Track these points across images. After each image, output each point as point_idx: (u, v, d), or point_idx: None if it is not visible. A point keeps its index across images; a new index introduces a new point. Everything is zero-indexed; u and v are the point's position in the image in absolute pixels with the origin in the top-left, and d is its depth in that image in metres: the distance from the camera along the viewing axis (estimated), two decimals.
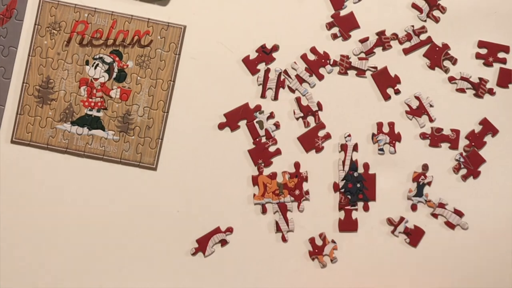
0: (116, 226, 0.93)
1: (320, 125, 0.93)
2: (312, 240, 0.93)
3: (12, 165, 0.93)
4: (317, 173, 0.93)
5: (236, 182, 0.93)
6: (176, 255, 0.93)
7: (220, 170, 0.93)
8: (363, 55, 0.93)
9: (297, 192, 0.93)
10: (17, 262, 0.93)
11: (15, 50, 0.94)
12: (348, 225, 0.92)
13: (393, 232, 0.93)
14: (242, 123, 0.93)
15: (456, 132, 0.93)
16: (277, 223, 0.92)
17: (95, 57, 0.94)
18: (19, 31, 0.94)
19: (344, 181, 0.92)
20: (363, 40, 0.94)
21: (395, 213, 0.93)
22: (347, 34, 0.94)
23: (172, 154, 0.93)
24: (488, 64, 0.93)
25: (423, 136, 0.93)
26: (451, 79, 0.94)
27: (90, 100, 0.94)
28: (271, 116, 0.93)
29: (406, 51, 0.94)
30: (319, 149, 0.93)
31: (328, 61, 0.93)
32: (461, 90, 0.94)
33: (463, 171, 0.93)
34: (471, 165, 0.93)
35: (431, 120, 0.92)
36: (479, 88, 0.93)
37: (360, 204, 0.93)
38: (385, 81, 0.93)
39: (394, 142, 0.93)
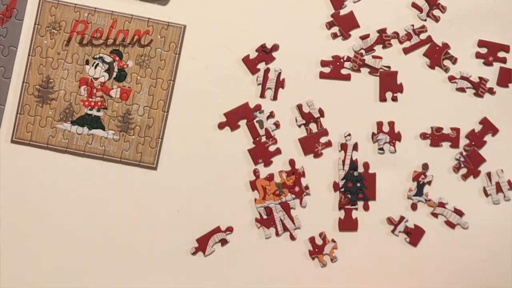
0: (116, 225, 0.93)
1: (323, 132, 0.93)
2: (312, 240, 0.93)
3: (12, 164, 0.93)
4: (317, 173, 0.93)
5: (236, 182, 0.93)
6: (175, 255, 0.93)
7: (220, 169, 0.93)
8: (362, 51, 0.93)
9: (296, 188, 0.93)
10: (17, 262, 0.93)
11: (15, 49, 0.94)
12: (348, 224, 0.92)
13: (393, 231, 0.93)
14: (242, 123, 0.93)
15: (456, 130, 0.93)
16: (283, 222, 0.92)
17: (95, 56, 0.94)
18: (19, 31, 0.94)
19: (344, 180, 0.92)
20: (363, 37, 0.94)
21: (395, 212, 0.93)
22: (347, 34, 0.94)
23: (172, 153, 0.93)
24: (488, 63, 0.93)
25: (423, 136, 0.93)
26: (451, 79, 0.94)
27: (90, 99, 0.94)
28: (271, 115, 0.93)
29: (406, 51, 0.94)
30: (317, 155, 0.93)
31: (342, 60, 0.93)
32: (461, 90, 0.93)
33: (463, 171, 0.93)
34: (471, 164, 0.93)
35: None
36: (479, 88, 0.93)
37: (360, 204, 0.93)
38: (389, 84, 0.93)
39: (394, 141, 0.93)
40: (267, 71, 0.93)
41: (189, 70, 0.94)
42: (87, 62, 0.94)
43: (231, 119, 0.93)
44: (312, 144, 0.93)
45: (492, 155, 0.93)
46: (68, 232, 0.93)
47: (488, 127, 0.93)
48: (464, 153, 0.93)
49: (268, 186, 0.93)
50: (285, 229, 0.93)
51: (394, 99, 0.93)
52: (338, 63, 0.93)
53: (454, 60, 0.94)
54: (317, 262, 0.93)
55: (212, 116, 0.93)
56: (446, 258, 0.93)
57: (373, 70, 0.94)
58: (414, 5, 0.94)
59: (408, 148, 0.93)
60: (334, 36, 0.94)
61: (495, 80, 0.94)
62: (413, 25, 0.94)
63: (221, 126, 0.93)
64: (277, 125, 0.93)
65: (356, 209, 0.93)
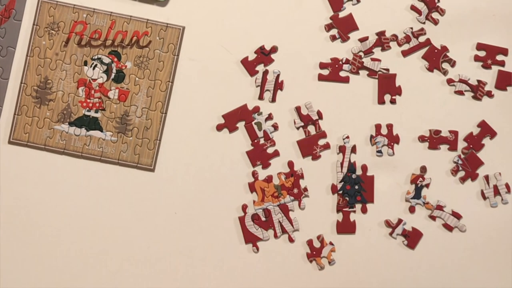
0: (113, 227, 0.93)
1: (322, 134, 0.93)
2: (310, 242, 0.92)
3: (10, 165, 0.93)
4: (315, 175, 0.93)
5: (234, 184, 0.93)
6: (173, 256, 0.92)
7: (218, 171, 0.93)
8: (361, 54, 0.93)
9: (295, 190, 0.93)
10: (16, 262, 0.93)
11: (13, 50, 0.93)
12: (346, 227, 0.92)
13: (391, 234, 0.93)
14: (240, 125, 0.93)
15: (455, 133, 0.93)
16: (281, 224, 0.92)
17: (93, 57, 0.93)
18: (17, 31, 0.93)
19: (342, 183, 0.92)
20: (362, 40, 0.94)
21: (393, 215, 0.93)
22: (346, 36, 0.94)
23: (170, 155, 0.93)
24: (486, 66, 0.94)
25: (421, 139, 0.93)
26: (450, 81, 0.94)
27: (88, 100, 0.93)
28: (270, 117, 0.93)
29: (405, 53, 0.94)
30: (315, 157, 0.93)
31: (341, 62, 0.93)
32: (460, 92, 0.94)
33: (461, 174, 0.93)
34: (469, 167, 0.93)
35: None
36: (478, 91, 0.93)
37: (358, 206, 0.93)
38: (387, 87, 0.93)
39: (392, 144, 0.93)
40: (265, 73, 0.93)
41: (188, 72, 0.94)
42: (85, 63, 0.93)
43: (229, 121, 0.93)
44: (310, 147, 0.93)
45: (490, 158, 0.93)
46: (66, 234, 0.93)
47: (486, 130, 0.93)
48: (462, 156, 0.93)
49: (266, 188, 0.92)
50: (284, 231, 0.92)
51: (393, 101, 0.93)
52: (336, 66, 0.93)
53: (452, 63, 0.94)
54: (315, 264, 0.92)
55: (210, 118, 0.93)
56: (443, 260, 0.93)
57: (371, 73, 0.94)
58: (413, 8, 0.94)
59: (406, 151, 0.93)
60: (333, 38, 0.94)
61: (493, 83, 0.94)
62: (412, 28, 0.94)
63: (219, 128, 0.93)
64: (275, 127, 0.93)
65: (354, 211, 0.92)
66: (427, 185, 0.93)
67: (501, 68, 0.94)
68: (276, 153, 0.93)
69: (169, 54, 0.93)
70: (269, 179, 0.93)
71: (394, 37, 0.94)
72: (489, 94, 0.94)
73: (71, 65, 0.93)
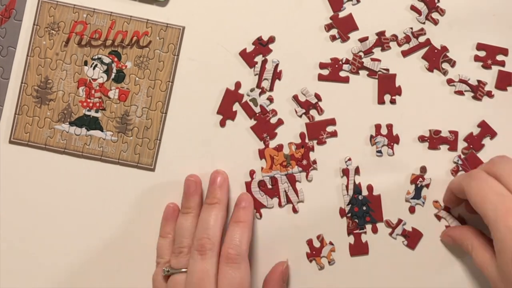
0: (113, 226, 0.93)
1: (331, 121, 0.93)
2: (309, 242, 0.92)
3: (10, 165, 0.94)
4: (313, 177, 0.93)
5: (234, 183, 0.93)
6: None
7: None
8: (361, 54, 0.93)
9: (304, 162, 0.92)
10: (15, 263, 0.93)
11: (13, 50, 0.94)
12: (359, 249, 0.92)
13: (390, 234, 0.93)
14: (238, 112, 0.93)
15: (455, 133, 0.93)
16: (286, 194, 0.92)
17: (93, 57, 0.94)
18: (17, 31, 0.94)
19: (350, 205, 0.92)
20: (362, 40, 0.94)
21: (392, 215, 0.93)
22: (346, 36, 0.94)
23: (170, 155, 0.93)
24: (486, 66, 0.93)
25: (421, 139, 0.93)
26: (450, 81, 0.93)
27: (89, 100, 0.94)
28: (263, 91, 0.92)
29: (405, 53, 0.94)
30: (321, 142, 0.92)
31: (341, 62, 0.93)
32: (460, 93, 0.93)
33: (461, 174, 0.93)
34: (469, 167, 0.93)
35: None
36: (478, 91, 0.93)
37: (369, 227, 0.93)
38: (387, 87, 0.93)
39: (392, 144, 0.93)
40: (264, 62, 0.93)
41: (188, 72, 0.94)
42: (85, 63, 0.94)
43: (226, 111, 0.93)
44: (317, 131, 0.93)
45: (490, 158, 0.93)
46: (66, 233, 0.93)
47: (486, 130, 0.93)
48: (462, 156, 0.93)
49: (276, 156, 0.92)
50: (289, 201, 0.92)
51: (393, 101, 0.93)
52: (336, 66, 0.93)
53: (452, 63, 0.94)
54: (315, 264, 0.92)
55: (210, 117, 0.93)
56: (444, 261, 0.93)
57: (371, 73, 0.93)
58: (413, 8, 0.94)
59: (406, 151, 0.93)
60: (333, 38, 0.94)
61: (493, 83, 0.94)
62: (412, 28, 0.94)
63: (222, 123, 0.92)
64: (271, 99, 0.92)
65: (365, 232, 0.92)
66: (427, 185, 0.93)
67: (501, 68, 0.94)
68: (280, 122, 0.93)
69: (169, 54, 0.93)
70: (279, 147, 0.92)
71: (394, 37, 0.94)
72: (489, 94, 0.93)
73: (71, 65, 0.94)
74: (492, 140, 0.93)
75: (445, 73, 0.94)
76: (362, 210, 0.92)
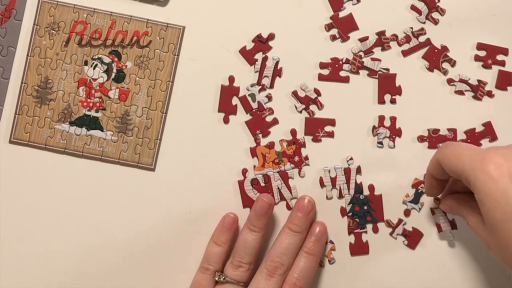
0: (113, 226, 0.93)
1: (331, 121, 0.93)
2: None
3: (11, 165, 0.94)
4: (311, 178, 0.93)
5: (236, 183, 0.93)
6: (173, 256, 0.93)
7: (219, 171, 0.93)
8: (361, 53, 0.93)
9: (296, 158, 0.92)
10: (15, 263, 0.93)
11: (14, 50, 0.94)
12: (359, 249, 0.92)
13: (391, 234, 0.93)
14: (237, 106, 0.93)
15: (453, 131, 0.93)
16: (280, 191, 0.92)
17: (94, 57, 0.94)
18: (18, 31, 0.94)
19: (351, 205, 0.92)
20: (362, 39, 0.94)
21: (393, 215, 0.93)
22: (346, 36, 0.94)
23: (170, 154, 0.93)
24: (487, 66, 0.93)
25: (420, 139, 0.93)
26: (450, 81, 0.93)
27: (89, 100, 0.94)
28: (263, 88, 0.92)
29: (405, 53, 0.94)
30: (316, 139, 0.92)
31: (341, 62, 0.93)
32: (460, 92, 0.93)
33: None
34: None
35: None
36: (478, 90, 0.93)
37: (370, 226, 0.93)
38: (387, 87, 0.93)
39: (394, 136, 0.93)
40: (265, 59, 0.93)
41: (188, 72, 0.94)
42: (85, 63, 0.94)
43: (226, 106, 0.93)
44: (315, 128, 0.93)
45: None
46: (66, 233, 0.93)
47: (489, 131, 0.92)
48: None
49: (268, 153, 0.92)
50: (282, 198, 0.92)
51: (393, 101, 0.93)
52: (336, 65, 0.93)
53: (453, 63, 0.94)
54: None
55: (210, 117, 0.93)
56: (444, 261, 0.93)
57: (371, 73, 0.93)
58: (413, 8, 0.94)
59: (407, 150, 0.93)
60: (333, 38, 0.94)
61: (493, 83, 0.94)
62: (412, 28, 0.94)
63: (226, 120, 0.93)
64: (269, 97, 0.92)
65: (366, 232, 0.92)
66: None
67: (502, 68, 0.94)
68: (275, 121, 0.93)
69: (169, 54, 0.93)
70: (270, 145, 0.92)
71: (394, 37, 0.94)
72: (490, 94, 0.93)
73: (71, 65, 0.94)
74: (491, 143, 0.93)
75: (445, 73, 0.94)
76: (363, 209, 0.92)
